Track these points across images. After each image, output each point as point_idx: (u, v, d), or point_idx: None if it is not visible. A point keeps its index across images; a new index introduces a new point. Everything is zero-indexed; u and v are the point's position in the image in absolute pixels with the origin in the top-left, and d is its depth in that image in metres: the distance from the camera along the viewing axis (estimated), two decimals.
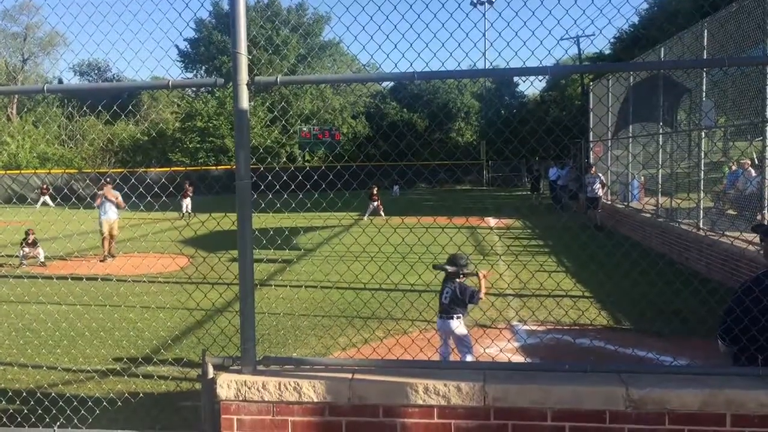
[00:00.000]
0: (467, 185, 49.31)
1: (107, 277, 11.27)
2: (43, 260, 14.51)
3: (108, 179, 15.77)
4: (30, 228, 14.75)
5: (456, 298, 6.08)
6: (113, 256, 15.09)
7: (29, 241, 14.54)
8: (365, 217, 22.53)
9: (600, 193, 19.63)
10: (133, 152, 50.15)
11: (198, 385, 3.71)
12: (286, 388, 3.43)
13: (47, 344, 7.72)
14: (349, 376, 3.45)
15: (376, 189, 24.33)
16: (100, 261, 14.79)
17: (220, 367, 3.65)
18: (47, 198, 34.00)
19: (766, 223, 3.38)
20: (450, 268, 6.14)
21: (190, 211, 26.16)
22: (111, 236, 15.20)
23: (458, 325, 6.10)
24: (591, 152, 23.51)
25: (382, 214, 23.16)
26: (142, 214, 26.09)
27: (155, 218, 25.63)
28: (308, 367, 3.67)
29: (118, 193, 15.09)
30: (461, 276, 6.15)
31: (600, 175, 19.91)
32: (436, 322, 6.29)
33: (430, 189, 46.67)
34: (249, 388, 3.46)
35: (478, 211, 24.96)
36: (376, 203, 23.92)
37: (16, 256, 14.48)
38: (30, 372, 6.68)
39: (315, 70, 53.69)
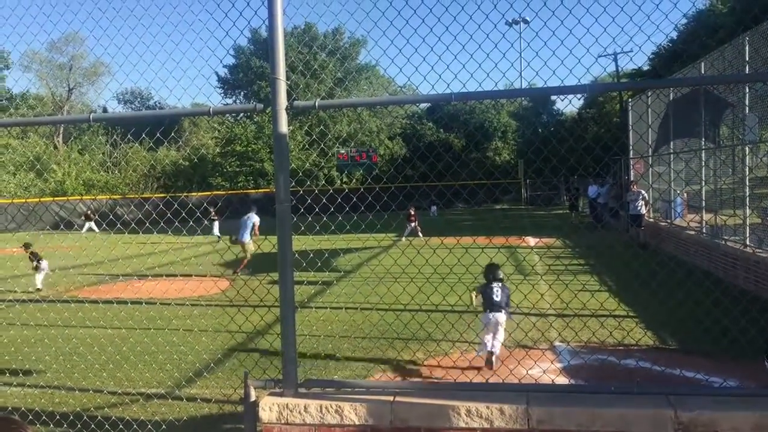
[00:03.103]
0: (506, 204, 48.99)
1: (151, 301, 11.45)
2: (39, 286, 14.55)
3: (254, 207, 17.12)
4: (27, 242, 14.92)
5: (504, 296, 7.54)
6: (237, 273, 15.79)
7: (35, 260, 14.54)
8: (403, 238, 22.53)
9: (643, 210, 19.25)
10: (175, 177, 51.17)
11: (240, 408, 3.73)
12: (328, 411, 3.43)
13: (93, 368, 7.86)
14: (391, 398, 3.43)
15: (413, 210, 24.34)
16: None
17: (262, 390, 3.68)
18: (92, 224, 34.78)
19: None
20: (500, 282, 7.62)
21: (219, 234, 26.62)
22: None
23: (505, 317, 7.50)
24: (632, 169, 23.15)
25: (421, 234, 23.13)
26: (184, 238, 26.55)
27: (197, 242, 26.02)
28: (350, 389, 3.66)
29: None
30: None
31: (642, 191, 19.53)
32: (487, 316, 7.41)
33: (468, 209, 46.47)
34: (291, 411, 3.47)
35: (517, 231, 24.73)
36: (414, 224, 23.91)
37: (38, 289, 14.58)
38: (76, 395, 6.80)
39: (352, 93, 54.17)
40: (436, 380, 3.81)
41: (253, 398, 3.63)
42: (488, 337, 7.37)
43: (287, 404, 3.50)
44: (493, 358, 7.19)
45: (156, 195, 44.54)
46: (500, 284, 7.61)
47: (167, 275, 15.35)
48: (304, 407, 3.47)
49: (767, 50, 11.22)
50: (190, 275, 15.49)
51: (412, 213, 24.19)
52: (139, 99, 67.86)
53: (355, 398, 3.50)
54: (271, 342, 7.84)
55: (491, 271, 7.67)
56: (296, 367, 3.65)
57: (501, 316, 7.43)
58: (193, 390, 6.91)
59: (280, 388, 3.64)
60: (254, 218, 16.27)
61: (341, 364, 7.90)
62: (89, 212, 36.51)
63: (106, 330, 9.75)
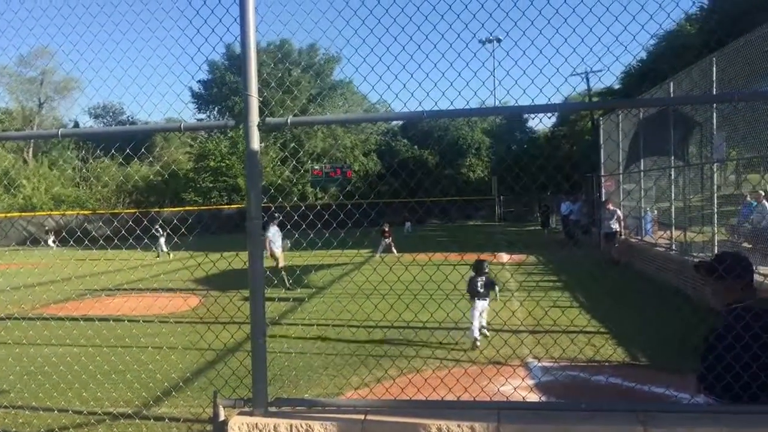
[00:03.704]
0: (479, 221, 49.20)
1: (119, 318, 11.26)
2: None
3: (276, 214, 16.24)
4: None
5: (488, 286, 9.73)
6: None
7: None
8: (377, 255, 22.49)
9: (616, 227, 19.40)
10: (147, 193, 50.61)
11: (210, 428, 3.67)
12: (298, 430, 3.39)
13: (59, 387, 7.67)
14: (362, 417, 3.41)
15: (388, 226, 24.31)
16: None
17: (231, 409, 3.62)
18: (51, 238, 34.24)
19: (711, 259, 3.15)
20: (485, 276, 9.77)
21: (165, 250, 26.38)
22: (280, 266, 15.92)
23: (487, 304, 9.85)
24: (603, 187, 23.43)
25: (395, 251, 23.08)
26: (154, 253, 26.24)
27: (165, 259, 25.72)
28: (320, 408, 3.63)
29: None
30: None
31: (618, 210, 19.66)
32: (477, 303, 9.54)
33: (441, 225, 46.61)
34: (260, 431, 3.42)
35: (489, 247, 24.82)
36: (388, 240, 23.87)
37: None
38: (41, 416, 6.64)
39: (326, 109, 54.23)
40: (407, 398, 3.81)
41: (222, 418, 3.58)
42: (475, 322, 9.42)
43: (257, 424, 3.45)
44: (477, 342, 9.23)
45: (126, 211, 44.02)
46: (484, 277, 9.71)
47: (136, 291, 15.14)
48: (274, 427, 3.42)
49: (732, 71, 11.49)
50: (160, 292, 15.28)
51: (386, 229, 24.14)
52: (110, 113, 67.19)
53: (326, 417, 3.46)
54: (242, 360, 7.74)
55: (478, 266, 9.77)
56: (266, 386, 3.60)
57: (484, 303, 9.67)
58: (162, 409, 6.79)
59: (249, 407, 3.59)
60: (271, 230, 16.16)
61: (312, 382, 7.83)
62: (48, 228, 35.93)
63: (72, 348, 9.55)
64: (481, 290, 9.63)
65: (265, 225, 15.71)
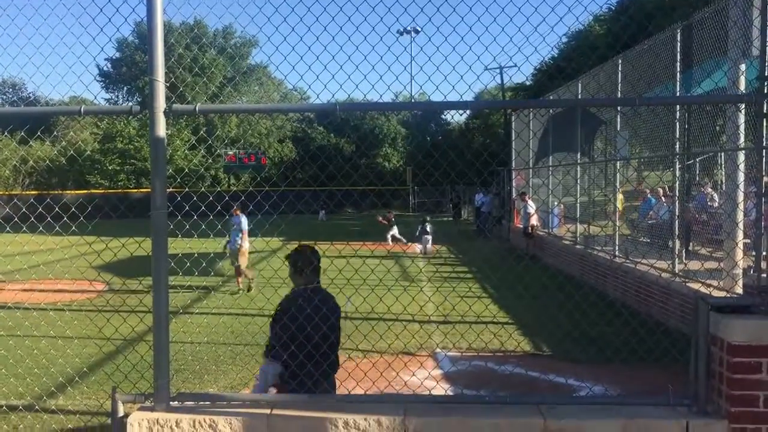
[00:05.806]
0: (394, 210, 49.35)
1: (11, 308, 10.64)
2: None
3: (239, 204, 13.75)
4: None
5: (426, 231, 20.54)
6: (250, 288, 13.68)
7: None
8: (418, 247, 21.80)
9: (532, 222, 19.48)
10: (49, 174, 47.98)
11: (109, 421, 3.53)
12: (201, 426, 3.31)
13: None
14: (268, 411, 3.36)
15: (392, 214, 24.20)
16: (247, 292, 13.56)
17: (132, 404, 3.50)
18: None
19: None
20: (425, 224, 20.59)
21: None
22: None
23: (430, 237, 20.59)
24: (513, 181, 23.96)
25: (404, 239, 22.85)
26: (54, 238, 24.92)
27: (63, 246, 24.55)
28: (225, 402, 3.55)
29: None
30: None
31: (531, 203, 19.74)
32: (424, 238, 20.51)
33: (357, 213, 46.64)
34: (162, 427, 3.32)
35: (404, 237, 25.05)
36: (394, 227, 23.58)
37: None
38: None
39: (241, 94, 53.16)
40: None
41: (121, 413, 3.45)
42: (421, 246, 19.91)
43: (158, 419, 3.34)
44: (419, 252, 18.59)
45: (27, 192, 41.74)
46: (427, 225, 20.08)
47: (30, 280, 14.37)
48: (176, 422, 3.33)
49: (635, 75, 12.02)
50: (56, 281, 14.57)
51: (392, 217, 23.91)
52: (10, 88, 63.35)
53: (231, 412, 3.40)
54: (143, 353, 7.50)
55: (423, 219, 20.68)
56: (169, 380, 3.49)
57: (429, 237, 20.17)
58: (57, 402, 6.48)
59: (151, 403, 3.47)
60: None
61: (218, 374, 7.68)
62: None
63: None
64: (418, 234, 19.96)
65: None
